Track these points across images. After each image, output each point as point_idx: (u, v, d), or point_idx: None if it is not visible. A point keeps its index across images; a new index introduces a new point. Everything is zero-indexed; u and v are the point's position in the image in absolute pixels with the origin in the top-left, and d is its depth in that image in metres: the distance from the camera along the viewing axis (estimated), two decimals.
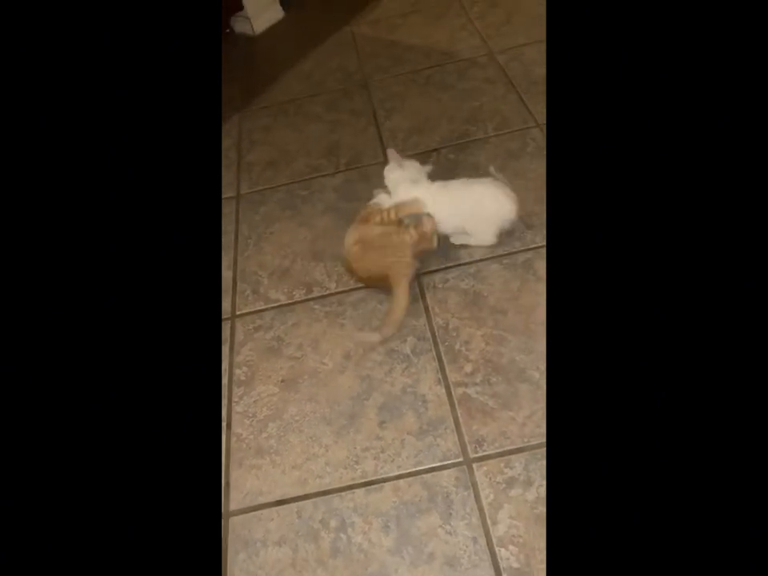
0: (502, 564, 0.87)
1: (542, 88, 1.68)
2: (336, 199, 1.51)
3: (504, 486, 0.94)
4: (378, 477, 0.99)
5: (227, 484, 1.03)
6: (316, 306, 1.28)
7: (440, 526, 0.92)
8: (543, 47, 1.83)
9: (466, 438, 1.01)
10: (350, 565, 0.91)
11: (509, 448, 0.98)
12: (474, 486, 0.95)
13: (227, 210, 1.55)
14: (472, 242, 1.30)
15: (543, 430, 0.99)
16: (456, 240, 1.31)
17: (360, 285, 1.28)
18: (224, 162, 1.70)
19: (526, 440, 0.99)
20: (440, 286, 1.25)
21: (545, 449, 0.97)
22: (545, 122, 1.57)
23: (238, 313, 1.30)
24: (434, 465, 0.99)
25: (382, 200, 1.30)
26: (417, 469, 0.99)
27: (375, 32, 2.12)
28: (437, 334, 1.17)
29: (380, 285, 1.23)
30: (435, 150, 1.57)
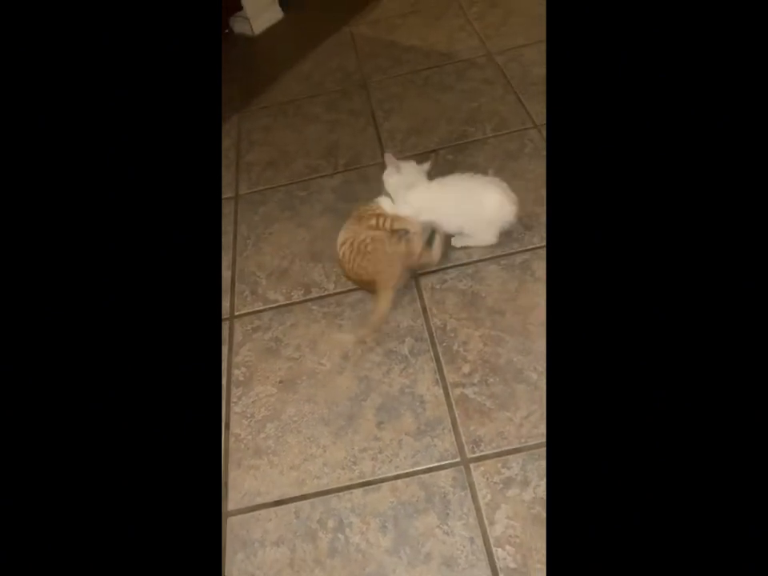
0: (499, 564, 0.87)
1: (540, 89, 1.68)
2: (334, 200, 1.51)
3: (501, 486, 0.95)
4: (376, 477, 1.00)
5: (225, 484, 1.03)
6: (314, 307, 1.28)
7: (437, 526, 0.92)
8: (542, 48, 1.83)
9: (464, 439, 1.01)
10: (348, 565, 0.91)
11: (506, 448, 0.99)
12: (472, 486, 0.96)
13: (226, 211, 1.56)
14: (472, 242, 1.30)
15: (540, 430, 1.00)
16: (457, 243, 1.31)
17: (356, 286, 1.29)
18: (223, 162, 1.71)
19: (523, 440, 0.99)
20: (438, 286, 1.26)
21: (542, 449, 0.98)
22: (543, 122, 1.57)
23: (236, 313, 1.30)
24: (431, 465, 0.99)
25: (383, 202, 1.29)
26: (414, 469, 0.99)
27: (374, 32, 2.12)
28: (435, 334, 1.17)
29: (367, 288, 1.24)
30: (434, 150, 1.58)
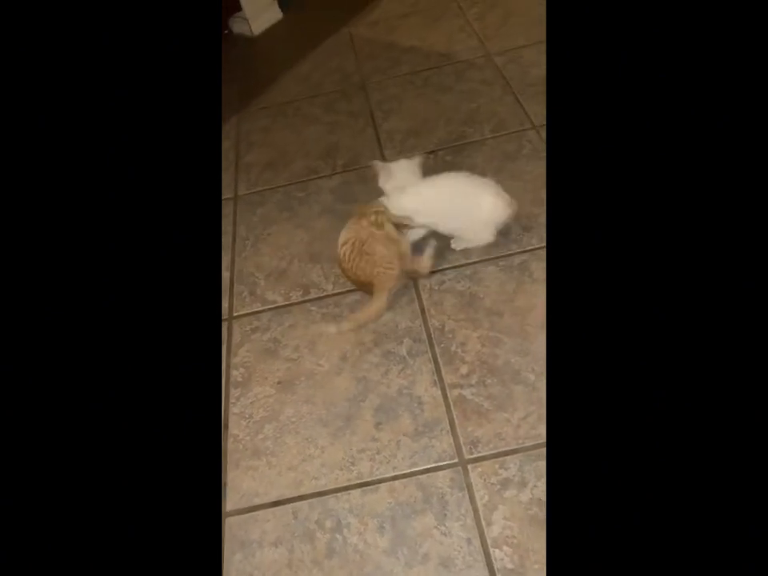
0: (496, 565, 0.87)
1: (539, 89, 1.68)
2: (333, 201, 1.52)
3: (498, 487, 0.95)
4: (374, 478, 1.00)
5: (224, 485, 1.03)
6: (313, 308, 1.28)
7: (435, 527, 0.93)
8: (541, 49, 1.83)
9: (461, 440, 1.02)
10: (346, 565, 0.91)
11: (503, 449, 0.99)
12: (469, 487, 0.96)
13: (225, 211, 1.56)
14: (471, 244, 1.30)
15: (538, 431, 1.00)
16: (457, 246, 1.31)
17: (354, 287, 1.29)
18: (222, 163, 1.71)
19: (520, 441, 0.99)
20: (436, 287, 1.26)
21: (539, 450, 0.98)
22: (541, 123, 1.57)
23: (235, 314, 1.31)
24: (429, 466, 1.00)
25: (384, 202, 1.29)
26: (412, 470, 1.00)
27: (373, 33, 2.12)
28: (433, 335, 1.18)
29: (365, 289, 1.24)
30: (432, 151, 1.58)
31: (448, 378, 1.10)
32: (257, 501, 1.00)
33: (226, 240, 1.48)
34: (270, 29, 2.30)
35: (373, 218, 1.23)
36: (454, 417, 1.05)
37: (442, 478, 0.98)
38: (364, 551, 0.92)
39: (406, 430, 1.05)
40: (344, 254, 1.22)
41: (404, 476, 0.99)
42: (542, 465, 0.96)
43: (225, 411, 1.14)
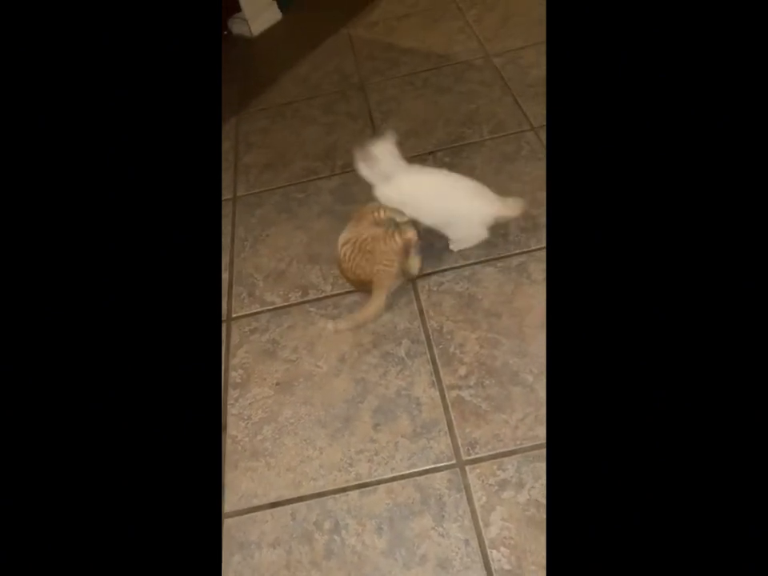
0: (494, 566, 0.88)
1: (538, 91, 1.68)
2: (332, 202, 1.52)
3: (496, 488, 0.95)
4: (372, 479, 1.00)
5: (222, 486, 1.04)
6: (311, 309, 1.28)
7: (433, 528, 0.93)
8: (540, 50, 1.84)
9: (459, 441, 1.02)
10: (344, 566, 0.91)
11: (501, 450, 0.99)
12: (467, 488, 0.96)
13: (224, 212, 1.56)
14: (466, 244, 1.30)
15: (536, 432, 1.00)
16: (455, 247, 1.31)
17: (353, 288, 1.29)
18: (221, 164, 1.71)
19: (518, 442, 1.00)
20: (434, 288, 1.26)
21: (537, 451, 0.98)
22: (540, 125, 1.57)
23: (233, 315, 1.31)
24: (427, 467, 1.00)
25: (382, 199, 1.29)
26: (410, 471, 1.00)
27: (372, 34, 2.13)
28: (431, 336, 1.18)
29: (364, 289, 1.24)
30: (431, 152, 1.58)
31: (446, 380, 1.10)
32: (255, 502, 1.01)
33: (224, 241, 1.48)
34: (269, 29, 2.30)
35: (376, 214, 1.23)
36: (452, 418, 1.05)
37: (439, 479, 0.98)
38: (362, 552, 0.92)
39: (404, 431, 1.05)
40: (344, 255, 1.22)
41: (402, 477, 0.99)
42: (540, 466, 0.96)
43: (223, 412, 1.14)
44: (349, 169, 1.60)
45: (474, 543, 0.90)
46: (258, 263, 1.41)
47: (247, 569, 0.93)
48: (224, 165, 1.71)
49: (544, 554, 0.88)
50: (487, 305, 1.21)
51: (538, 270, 1.24)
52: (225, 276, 1.40)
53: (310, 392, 1.14)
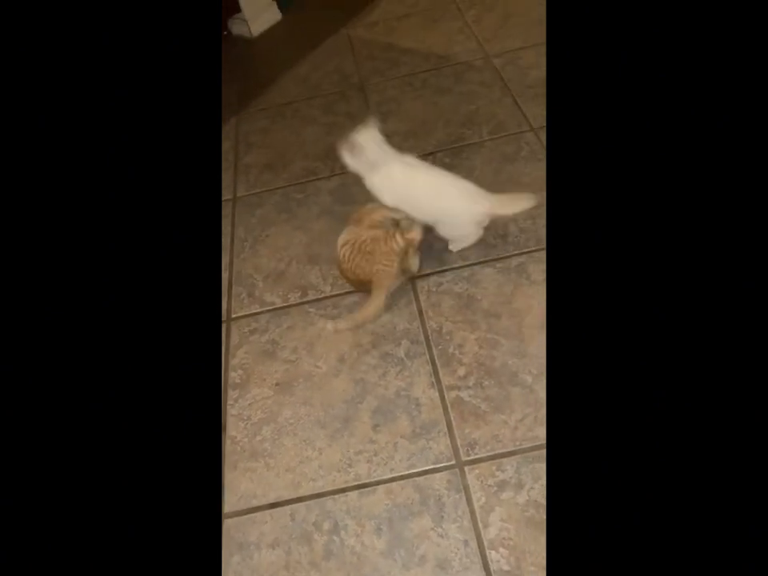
0: (493, 566, 0.88)
1: (537, 91, 1.68)
2: (331, 202, 1.52)
3: (495, 489, 0.95)
4: (371, 480, 1.00)
5: (222, 486, 1.04)
6: (311, 309, 1.28)
7: (432, 529, 0.93)
8: (539, 50, 1.84)
9: (459, 442, 1.02)
10: (343, 567, 0.92)
11: (500, 451, 0.99)
12: (466, 488, 0.96)
13: (224, 213, 1.56)
14: (463, 243, 1.30)
15: (535, 433, 1.00)
16: (454, 248, 1.31)
17: (353, 288, 1.29)
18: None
19: (517, 443, 1.00)
20: (434, 289, 1.26)
21: (536, 452, 0.98)
22: (539, 125, 1.57)
23: (233, 316, 1.31)
24: (426, 468, 1.00)
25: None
26: (409, 472, 1.00)
27: (372, 35, 2.13)
28: (430, 337, 1.18)
29: (363, 289, 1.24)
30: (431, 153, 1.58)
31: (445, 380, 1.10)
32: (255, 502, 1.01)
33: (224, 241, 1.48)
34: (269, 30, 2.30)
35: (374, 215, 1.23)
36: (452, 419, 1.05)
37: (439, 480, 0.98)
38: (361, 553, 0.92)
39: (403, 432, 1.05)
40: (343, 255, 1.22)
41: (401, 478, 0.99)
42: (539, 467, 0.96)
43: (223, 413, 1.14)
44: (347, 169, 1.59)
45: (473, 544, 0.90)
46: (257, 263, 1.41)
47: (246, 569, 0.93)
48: (224, 165, 1.72)
49: (543, 554, 0.88)
50: (486, 305, 1.21)
51: (537, 270, 1.24)
52: (224, 276, 1.40)
53: (310, 392, 1.14)
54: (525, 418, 1.03)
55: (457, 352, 1.14)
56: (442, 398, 1.08)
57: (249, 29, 2.26)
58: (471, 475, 0.97)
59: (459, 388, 1.09)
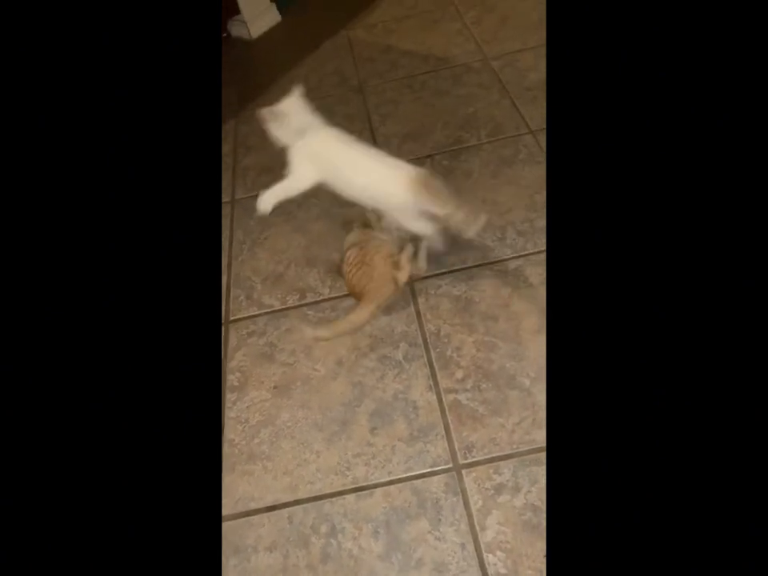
0: (490, 570, 0.88)
1: (536, 94, 1.69)
2: (330, 205, 1.52)
3: (492, 492, 0.95)
4: (369, 483, 1.00)
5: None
6: (309, 312, 1.29)
7: (429, 532, 0.93)
8: (537, 53, 1.84)
9: (456, 445, 1.02)
10: (340, 570, 0.92)
11: (498, 454, 0.99)
12: (463, 492, 0.96)
13: (222, 215, 1.56)
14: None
15: (532, 436, 1.00)
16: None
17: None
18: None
19: (515, 446, 1.00)
20: (432, 291, 1.26)
21: (533, 455, 0.98)
22: (537, 128, 1.58)
23: (231, 318, 1.31)
24: (423, 471, 1.00)
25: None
26: (407, 475, 1.00)
27: (371, 36, 2.13)
28: (428, 340, 1.18)
29: (356, 297, 1.25)
30: (429, 156, 1.58)
31: (443, 383, 1.11)
32: (252, 505, 1.01)
33: (222, 244, 1.48)
34: (269, 32, 2.30)
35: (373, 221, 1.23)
36: (449, 422, 1.05)
37: (436, 483, 0.98)
38: (358, 556, 0.93)
39: (401, 435, 1.05)
40: (347, 257, 1.22)
41: (399, 481, 1.00)
42: (536, 470, 0.96)
43: (221, 415, 1.14)
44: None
45: (470, 547, 0.90)
46: (256, 266, 1.41)
47: (244, 573, 0.94)
48: (223, 167, 1.71)
49: (540, 558, 0.88)
50: (484, 308, 1.21)
51: (534, 273, 1.24)
52: (223, 279, 1.40)
53: (308, 395, 1.14)
54: (522, 421, 1.03)
55: (455, 355, 1.14)
56: (440, 400, 1.08)
57: (248, 30, 2.26)
58: (468, 478, 0.98)
59: (457, 391, 1.09)
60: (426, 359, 1.15)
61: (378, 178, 1.15)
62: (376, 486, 1.00)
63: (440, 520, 0.94)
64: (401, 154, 1.61)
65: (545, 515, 0.91)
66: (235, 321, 1.30)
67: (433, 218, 1.16)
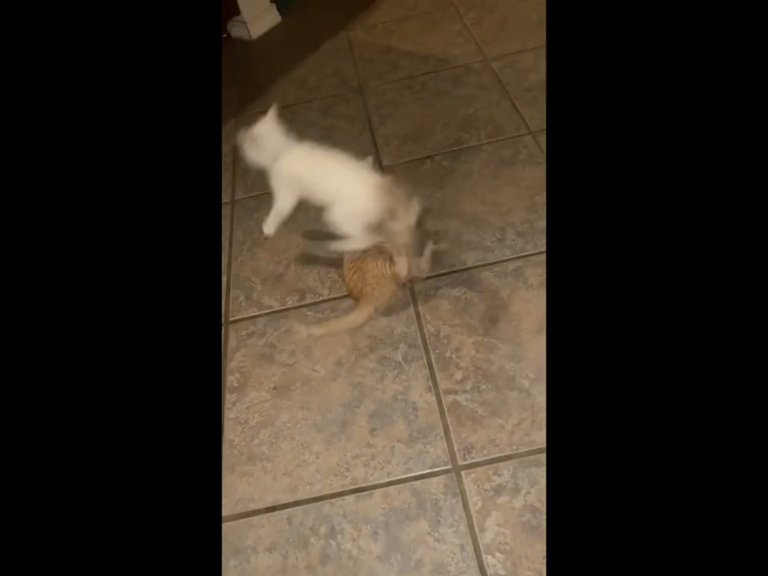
0: (489, 571, 0.88)
1: (535, 95, 1.69)
2: None
3: (492, 493, 0.95)
4: (368, 484, 1.00)
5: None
6: (309, 313, 1.29)
7: (428, 533, 0.93)
8: (537, 54, 1.84)
9: (455, 446, 1.02)
10: (340, 571, 0.92)
11: (497, 455, 0.99)
12: (463, 493, 0.96)
13: (222, 215, 1.56)
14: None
15: (531, 437, 1.00)
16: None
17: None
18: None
19: (514, 448, 1.00)
20: (432, 292, 1.26)
21: (533, 456, 0.98)
22: (537, 129, 1.58)
23: (231, 319, 1.31)
24: (423, 472, 1.00)
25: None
26: (406, 476, 1.00)
27: (371, 37, 2.13)
28: (428, 341, 1.18)
29: (353, 299, 1.25)
30: (429, 156, 1.58)
31: (443, 384, 1.11)
32: (252, 506, 1.01)
33: (222, 244, 1.48)
34: (269, 32, 2.30)
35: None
36: (449, 423, 1.05)
37: (435, 484, 0.98)
38: (358, 557, 0.93)
39: (400, 436, 1.05)
40: (347, 258, 1.23)
41: (398, 482, 1.00)
42: (536, 471, 0.96)
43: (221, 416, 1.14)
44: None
45: (470, 548, 0.90)
46: (255, 266, 1.41)
47: (243, 573, 0.94)
48: (222, 167, 1.72)
49: (539, 559, 0.88)
50: (484, 309, 1.21)
51: (534, 274, 1.24)
52: (223, 279, 1.40)
53: (307, 396, 1.14)
54: (522, 422, 1.03)
55: (454, 356, 1.14)
56: (439, 401, 1.08)
57: (248, 31, 2.26)
58: (468, 479, 0.98)
59: (456, 392, 1.09)
60: (425, 360, 1.15)
61: (343, 183, 1.16)
62: (375, 486, 1.00)
63: (439, 521, 0.94)
64: (401, 154, 1.61)
65: (544, 516, 0.91)
66: (235, 321, 1.30)
67: (377, 232, 1.16)
